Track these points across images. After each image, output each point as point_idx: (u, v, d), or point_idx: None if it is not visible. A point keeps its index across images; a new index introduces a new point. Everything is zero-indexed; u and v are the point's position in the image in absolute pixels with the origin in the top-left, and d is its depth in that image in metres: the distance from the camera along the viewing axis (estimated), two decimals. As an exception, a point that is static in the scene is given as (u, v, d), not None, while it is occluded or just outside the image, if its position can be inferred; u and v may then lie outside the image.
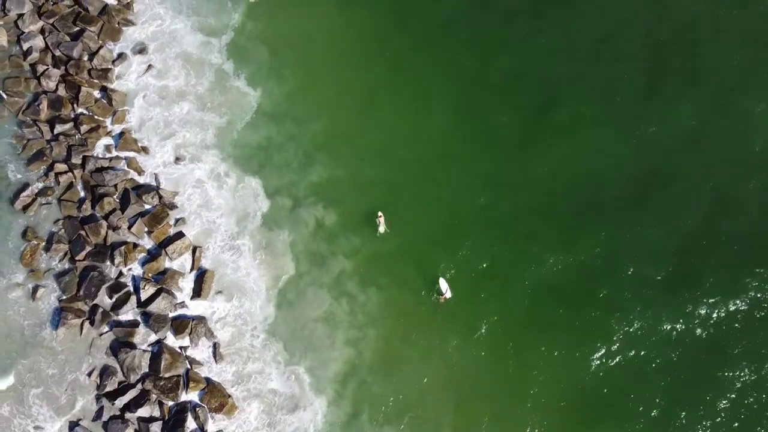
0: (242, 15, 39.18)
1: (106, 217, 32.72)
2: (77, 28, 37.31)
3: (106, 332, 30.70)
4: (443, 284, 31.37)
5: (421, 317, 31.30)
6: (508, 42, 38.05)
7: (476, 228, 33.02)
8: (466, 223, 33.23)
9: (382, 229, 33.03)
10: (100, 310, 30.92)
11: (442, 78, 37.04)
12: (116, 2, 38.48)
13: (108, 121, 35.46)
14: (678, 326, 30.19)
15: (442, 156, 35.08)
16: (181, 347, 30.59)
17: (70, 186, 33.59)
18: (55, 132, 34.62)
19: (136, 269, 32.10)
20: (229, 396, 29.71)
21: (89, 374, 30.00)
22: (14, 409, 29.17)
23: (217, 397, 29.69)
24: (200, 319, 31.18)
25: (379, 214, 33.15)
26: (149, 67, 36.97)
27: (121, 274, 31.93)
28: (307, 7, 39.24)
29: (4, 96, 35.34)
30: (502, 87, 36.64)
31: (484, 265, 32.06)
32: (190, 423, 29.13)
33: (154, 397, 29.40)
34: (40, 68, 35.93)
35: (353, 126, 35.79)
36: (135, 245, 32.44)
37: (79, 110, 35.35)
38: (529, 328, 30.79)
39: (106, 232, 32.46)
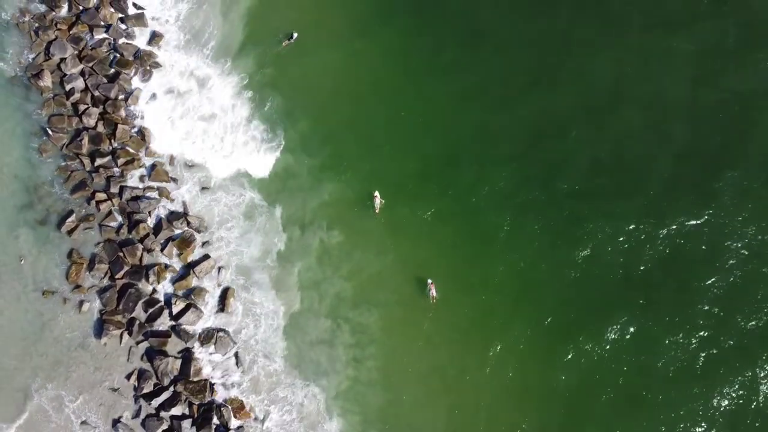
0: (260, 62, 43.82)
1: (141, 241, 37.43)
2: (113, 71, 42.07)
3: (142, 341, 35.43)
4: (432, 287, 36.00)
5: (424, 331, 35.81)
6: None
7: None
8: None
9: (377, 207, 37.81)
10: (137, 322, 35.65)
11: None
12: (148, 47, 43.17)
13: (141, 155, 40.15)
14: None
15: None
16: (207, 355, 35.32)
17: (109, 213, 38.28)
18: (95, 164, 39.33)
19: (168, 287, 36.80)
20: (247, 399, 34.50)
21: (128, 377, 34.74)
22: (63, 405, 33.89)
23: (237, 398, 34.46)
24: (223, 330, 35.90)
25: (375, 193, 37.88)
26: (177, 103, 41.65)
27: (154, 291, 36.65)
28: (315, 55, 43.76)
29: (50, 132, 40.08)
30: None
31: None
32: (215, 421, 33.85)
33: (184, 398, 34.12)
34: (82, 107, 40.64)
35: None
36: (166, 266, 37.14)
37: (116, 145, 40.04)
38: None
39: (142, 254, 37.16)
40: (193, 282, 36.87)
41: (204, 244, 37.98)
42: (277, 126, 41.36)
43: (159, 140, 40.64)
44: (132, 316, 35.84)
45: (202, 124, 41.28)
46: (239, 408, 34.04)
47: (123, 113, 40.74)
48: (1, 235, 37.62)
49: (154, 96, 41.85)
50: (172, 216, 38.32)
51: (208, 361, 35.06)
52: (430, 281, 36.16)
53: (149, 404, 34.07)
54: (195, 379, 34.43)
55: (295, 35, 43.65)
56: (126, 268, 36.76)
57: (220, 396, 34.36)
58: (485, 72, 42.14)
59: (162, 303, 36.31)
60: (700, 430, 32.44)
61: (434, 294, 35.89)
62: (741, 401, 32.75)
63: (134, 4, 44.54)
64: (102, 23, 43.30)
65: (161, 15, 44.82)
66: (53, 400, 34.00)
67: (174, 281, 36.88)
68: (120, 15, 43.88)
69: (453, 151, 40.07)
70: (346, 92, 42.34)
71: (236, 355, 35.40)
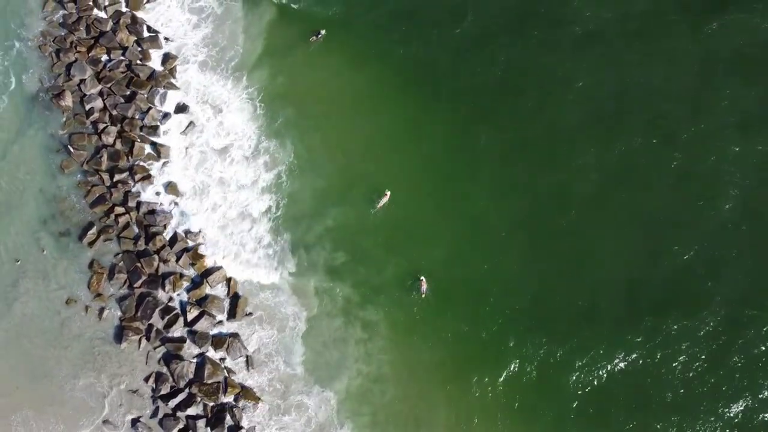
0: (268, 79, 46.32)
1: (157, 252, 40.02)
2: (130, 91, 44.68)
3: (159, 346, 38.00)
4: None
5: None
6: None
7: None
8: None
9: (381, 203, 40.37)
10: (154, 328, 38.23)
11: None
12: (162, 69, 45.80)
13: (157, 171, 42.77)
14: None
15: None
16: (220, 359, 37.89)
17: (127, 225, 40.87)
18: (114, 180, 41.92)
19: (183, 295, 39.39)
20: (260, 399, 37.03)
21: (146, 380, 37.32)
22: (87, 405, 36.47)
23: (249, 399, 37.02)
24: (235, 336, 38.45)
25: (387, 192, 40.52)
26: (190, 123, 44.25)
27: (170, 299, 39.24)
28: (318, 68, 46.18)
29: (72, 149, 42.70)
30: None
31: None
32: (228, 420, 36.41)
33: (199, 399, 36.71)
34: (101, 126, 43.28)
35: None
36: (181, 275, 39.73)
37: (133, 161, 42.67)
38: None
39: (158, 264, 39.74)
40: (206, 290, 39.43)
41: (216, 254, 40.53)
42: (285, 143, 43.77)
43: (174, 159, 43.15)
44: (150, 322, 38.41)
45: (215, 140, 43.80)
46: (252, 408, 36.65)
47: (139, 131, 43.31)
48: (26, 245, 40.25)
49: (167, 115, 44.35)
50: (186, 228, 40.89)
51: (220, 365, 37.58)
52: (422, 278, 38.90)
53: (166, 405, 36.65)
54: (209, 382, 36.97)
55: (323, 32, 45.72)
56: (143, 278, 39.33)
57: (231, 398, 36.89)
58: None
59: (177, 310, 38.88)
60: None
61: (425, 289, 38.64)
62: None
63: (148, 27, 47.14)
64: (119, 45, 45.89)
65: (175, 37, 47.29)
66: (77, 399, 36.62)
67: (188, 290, 39.46)
68: (135, 38, 46.48)
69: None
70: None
71: (247, 358, 37.92)
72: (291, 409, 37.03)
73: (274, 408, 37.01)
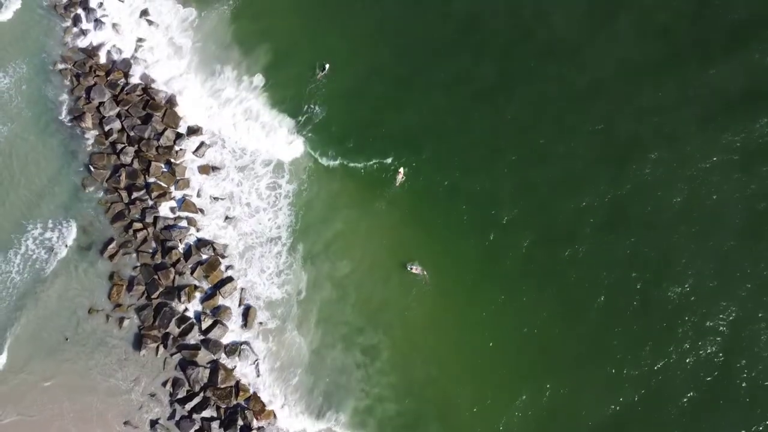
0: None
1: (173, 265, 42.96)
2: (146, 113, 47.69)
3: (176, 353, 40.94)
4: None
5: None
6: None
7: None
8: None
9: (398, 181, 43.43)
10: (171, 336, 41.17)
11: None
12: (177, 92, 48.82)
13: (172, 188, 45.70)
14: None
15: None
16: (232, 365, 40.85)
17: (145, 240, 43.83)
18: (132, 197, 44.92)
19: (197, 305, 42.33)
20: (266, 408, 39.96)
21: (164, 384, 40.25)
22: (109, 406, 39.42)
23: (258, 403, 39.95)
24: (246, 343, 41.42)
25: (401, 170, 43.58)
26: (201, 144, 47.25)
27: (186, 309, 42.18)
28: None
29: (92, 168, 45.67)
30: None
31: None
32: (240, 422, 39.34)
33: (213, 402, 39.64)
34: (119, 146, 46.30)
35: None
36: (196, 287, 42.68)
37: (150, 180, 45.64)
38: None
39: (174, 277, 42.70)
40: (219, 301, 42.38)
41: (228, 268, 43.45)
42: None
43: (187, 175, 46.14)
44: (167, 331, 41.32)
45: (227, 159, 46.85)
46: (260, 410, 39.55)
47: (155, 152, 46.33)
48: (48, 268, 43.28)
49: (182, 137, 47.33)
50: (200, 242, 43.88)
51: (232, 371, 40.52)
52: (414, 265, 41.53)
53: (183, 408, 39.54)
54: (222, 386, 39.90)
55: (327, 66, 48.63)
56: (160, 289, 42.27)
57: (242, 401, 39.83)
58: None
59: (192, 320, 41.82)
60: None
61: (418, 271, 41.25)
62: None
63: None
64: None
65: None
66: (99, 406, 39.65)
67: (202, 301, 42.40)
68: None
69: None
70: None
71: (256, 364, 40.85)
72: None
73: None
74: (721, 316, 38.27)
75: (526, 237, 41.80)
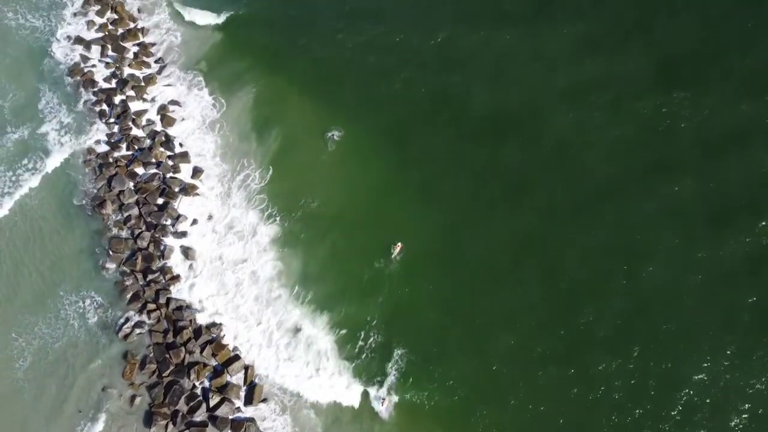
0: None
1: (184, 344, 45.51)
2: (162, 201, 51.53)
3: (184, 430, 42.87)
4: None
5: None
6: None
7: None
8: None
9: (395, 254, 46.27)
10: (180, 413, 43.21)
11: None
12: (191, 180, 52.87)
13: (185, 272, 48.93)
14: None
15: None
16: (238, 441, 42.72)
17: (158, 320, 46.62)
18: (147, 279, 48.06)
19: (206, 383, 44.60)
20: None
21: (172, 460, 42.03)
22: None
23: (262, 479, 41.62)
24: (251, 420, 43.35)
25: (399, 244, 46.48)
26: (214, 231, 50.79)
27: (194, 386, 44.41)
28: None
29: (110, 252, 49.05)
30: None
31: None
32: (244, 498, 40.86)
33: (219, 479, 41.29)
34: (137, 231, 49.87)
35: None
36: (205, 365, 45.07)
37: (164, 263, 48.90)
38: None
39: (184, 356, 45.20)
40: (227, 379, 44.65)
41: (235, 348, 45.96)
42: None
43: (199, 259, 49.46)
44: (176, 408, 43.38)
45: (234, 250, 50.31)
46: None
47: (170, 237, 49.84)
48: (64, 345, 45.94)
49: (195, 221, 50.96)
50: (209, 323, 46.59)
51: None
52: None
53: (190, 484, 41.15)
54: (228, 461, 41.67)
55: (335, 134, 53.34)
56: (171, 368, 44.64)
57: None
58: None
59: (201, 397, 43.95)
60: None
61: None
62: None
63: (180, 144, 54.65)
64: (153, 161, 53.22)
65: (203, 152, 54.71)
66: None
67: (211, 378, 44.66)
68: (169, 153, 53.87)
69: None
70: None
71: (261, 438, 42.75)
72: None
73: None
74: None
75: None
